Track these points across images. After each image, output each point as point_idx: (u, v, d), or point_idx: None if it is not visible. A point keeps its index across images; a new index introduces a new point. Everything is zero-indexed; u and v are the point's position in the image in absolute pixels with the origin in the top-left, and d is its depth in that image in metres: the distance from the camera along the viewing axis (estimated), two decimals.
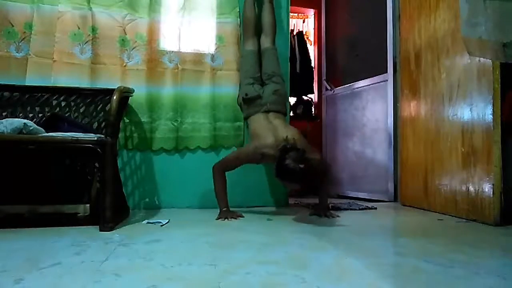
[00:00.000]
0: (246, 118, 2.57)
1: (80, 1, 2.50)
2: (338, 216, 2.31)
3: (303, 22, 5.07)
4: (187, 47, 2.71)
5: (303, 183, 2.04)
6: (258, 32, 2.72)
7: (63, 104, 2.30)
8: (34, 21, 2.40)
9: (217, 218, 2.20)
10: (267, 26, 2.70)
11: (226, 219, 2.17)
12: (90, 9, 2.52)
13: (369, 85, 3.35)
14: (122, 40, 2.58)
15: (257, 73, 2.60)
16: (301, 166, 1.90)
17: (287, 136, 2.10)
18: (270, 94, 2.50)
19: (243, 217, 2.26)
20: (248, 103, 2.51)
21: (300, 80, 4.57)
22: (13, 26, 2.40)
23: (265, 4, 2.75)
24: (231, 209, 2.29)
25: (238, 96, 2.63)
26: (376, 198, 3.17)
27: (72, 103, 2.31)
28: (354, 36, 3.66)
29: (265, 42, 2.68)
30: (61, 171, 2.23)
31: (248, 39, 2.69)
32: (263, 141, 2.23)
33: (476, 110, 2.16)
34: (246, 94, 2.51)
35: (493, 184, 2.03)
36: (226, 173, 2.32)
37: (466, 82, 2.25)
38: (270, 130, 2.29)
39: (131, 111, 2.56)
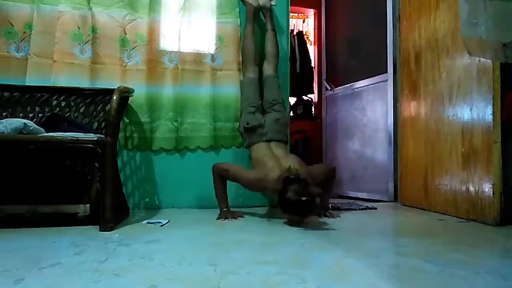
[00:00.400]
0: (248, 147, 2.53)
1: (80, 1, 2.50)
2: (338, 216, 2.31)
3: (303, 22, 5.07)
4: (187, 47, 2.71)
5: (305, 215, 2.02)
6: (258, 60, 2.71)
7: (63, 104, 2.30)
8: (34, 21, 2.40)
9: (218, 218, 2.20)
10: (270, 54, 2.70)
11: (226, 219, 2.17)
12: (90, 9, 2.52)
13: (369, 85, 3.35)
14: (122, 40, 2.58)
15: (258, 101, 2.57)
16: (304, 198, 1.89)
17: (290, 166, 2.06)
18: (271, 123, 2.47)
19: (243, 217, 2.26)
20: (249, 132, 2.47)
21: (300, 80, 4.57)
22: (13, 26, 2.40)
23: (268, 32, 2.75)
24: (231, 209, 2.30)
25: (239, 125, 2.58)
26: (376, 198, 3.17)
27: (72, 103, 2.31)
28: (354, 36, 3.66)
29: (268, 69, 2.67)
30: (61, 171, 2.23)
31: (248, 67, 2.67)
32: (268, 172, 2.14)
33: (476, 110, 2.16)
34: (248, 124, 2.47)
35: (493, 184, 2.03)
36: None
37: (466, 82, 2.25)
38: (274, 160, 2.22)
39: (131, 111, 2.56)
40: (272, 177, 2.10)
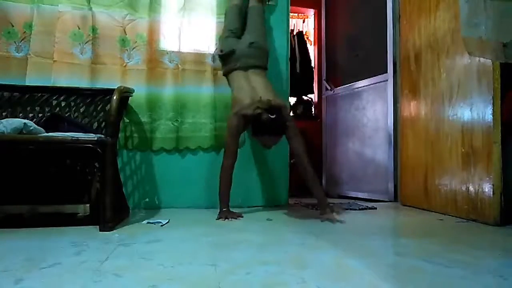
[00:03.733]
0: (225, 74, 2.55)
1: (80, 1, 2.50)
2: (341, 219, 2.24)
3: (303, 22, 5.06)
4: (187, 47, 2.71)
5: (276, 134, 2.25)
6: None
7: (63, 104, 2.30)
8: (34, 21, 2.40)
9: (217, 218, 2.20)
10: None
11: (226, 219, 2.17)
12: (90, 9, 2.52)
13: (369, 85, 3.35)
14: (122, 40, 2.58)
15: (235, 25, 2.58)
16: (272, 116, 2.13)
17: (261, 97, 2.23)
18: (245, 47, 2.46)
19: (242, 217, 2.26)
20: (223, 59, 2.52)
21: (300, 80, 4.57)
22: (13, 26, 2.40)
23: None
24: (231, 209, 2.29)
25: (216, 49, 2.63)
26: (376, 198, 3.17)
27: (72, 103, 2.31)
28: (354, 36, 3.66)
29: (252, 0, 2.68)
30: (61, 171, 2.23)
31: None
32: (241, 103, 2.29)
33: (476, 110, 2.16)
34: (221, 51, 2.50)
35: (493, 184, 2.03)
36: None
37: (466, 82, 2.25)
38: (249, 94, 2.32)
39: (131, 111, 2.56)
40: (246, 103, 2.25)
